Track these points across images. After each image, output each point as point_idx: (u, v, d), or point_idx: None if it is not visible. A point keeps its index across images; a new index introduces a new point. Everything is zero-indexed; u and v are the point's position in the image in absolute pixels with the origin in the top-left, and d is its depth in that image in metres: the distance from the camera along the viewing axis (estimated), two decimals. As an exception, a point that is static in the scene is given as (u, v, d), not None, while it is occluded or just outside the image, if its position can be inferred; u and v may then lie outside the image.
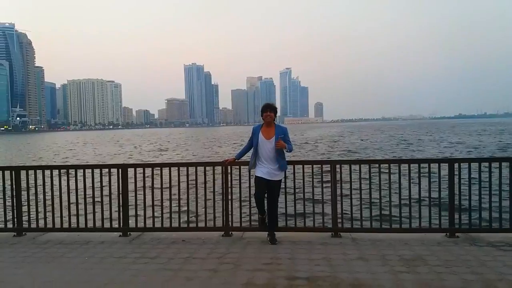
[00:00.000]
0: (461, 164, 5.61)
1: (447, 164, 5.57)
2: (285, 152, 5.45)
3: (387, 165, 5.77)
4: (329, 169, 5.75)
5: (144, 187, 6.09)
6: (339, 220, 5.67)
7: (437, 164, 5.69)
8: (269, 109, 5.42)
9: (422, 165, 5.71)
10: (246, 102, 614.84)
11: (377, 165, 5.81)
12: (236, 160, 5.70)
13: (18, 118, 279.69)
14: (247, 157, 5.70)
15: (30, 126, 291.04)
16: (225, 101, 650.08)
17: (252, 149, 5.57)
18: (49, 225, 6.12)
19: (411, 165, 5.71)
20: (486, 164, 5.50)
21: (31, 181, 6.11)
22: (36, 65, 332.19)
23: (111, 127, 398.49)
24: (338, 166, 5.76)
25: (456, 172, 5.53)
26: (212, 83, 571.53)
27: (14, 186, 6.11)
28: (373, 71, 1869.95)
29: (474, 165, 5.55)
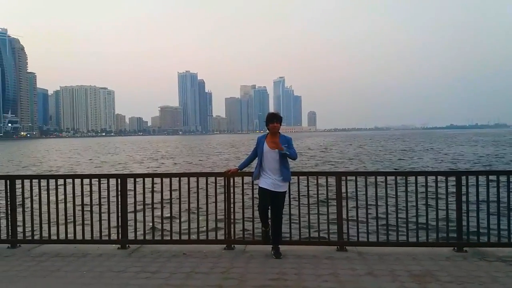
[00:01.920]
0: (469, 176, 5.51)
1: (454, 177, 5.48)
2: (289, 161, 5.31)
3: (393, 177, 5.66)
4: (334, 180, 5.63)
5: (144, 198, 5.90)
6: (345, 234, 5.54)
7: (444, 177, 5.60)
8: (275, 119, 5.29)
9: (429, 177, 5.61)
10: (239, 110, 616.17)
11: (383, 177, 5.70)
12: (239, 171, 5.55)
13: (9, 125, 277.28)
14: (250, 168, 5.56)
15: (22, 133, 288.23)
16: (218, 109, 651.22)
17: (256, 159, 5.43)
18: (45, 237, 5.90)
19: (418, 177, 5.61)
20: (494, 177, 5.43)
21: (27, 191, 5.91)
22: (29, 71, 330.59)
23: (104, 134, 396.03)
24: (343, 177, 5.64)
25: (464, 185, 5.43)
26: (206, 91, 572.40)
27: (9, 196, 5.91)
28: (366, 81, 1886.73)
29: (482, 178, 5.48)
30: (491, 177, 5.44)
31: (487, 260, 4.92)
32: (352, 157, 39.74)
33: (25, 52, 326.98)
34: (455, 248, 5.34)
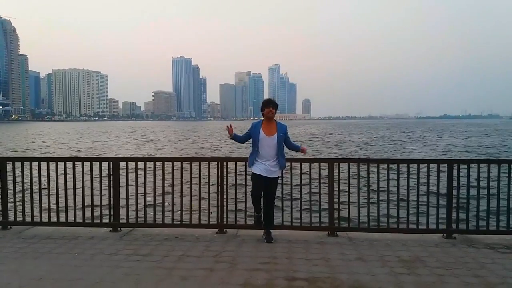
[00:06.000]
0: (460, 165, 5.55)
1: (446, 165, 5.52)
2: (284, 150, 5.32)
3: (385, 164, 5.69)
4: (327, 167, 5.65)
5: (136, 181, 5.88)
6: (336, 219, 5.59)
7: (436, 164, 5.64)
8: (271, 105, 5.28)
9: (421, 165, 5.65)
10: (234, 97, 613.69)
11: (375, 164, 5.73)
12: (232, 138, 5.36)
13: (0, 107, 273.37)
14: (245, 153, 5.54)
15: (13, 116, 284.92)
16: (213, 95, 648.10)
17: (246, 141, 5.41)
18: (36, 219, 5.88)
19: (410, 165, 5.65)
20: (485, 165, 5.48)
21: (18, 173, 5.87)
22: (20, 53, 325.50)
23: (96, 118, 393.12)
24: (336, 164, 5.66)
25: (455, 173, 5.47)
26: (200, 76, 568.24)
27: (0, 178, 5.86)
28: (360, 70, 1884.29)
29: (473, 166, 5.52)
30: (482, 166, 5.50)
31: (475, 247, 5.00)
32: (347, 145, 39.92)
33: (17, 34, 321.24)
34: (445, 235, 5.41)
